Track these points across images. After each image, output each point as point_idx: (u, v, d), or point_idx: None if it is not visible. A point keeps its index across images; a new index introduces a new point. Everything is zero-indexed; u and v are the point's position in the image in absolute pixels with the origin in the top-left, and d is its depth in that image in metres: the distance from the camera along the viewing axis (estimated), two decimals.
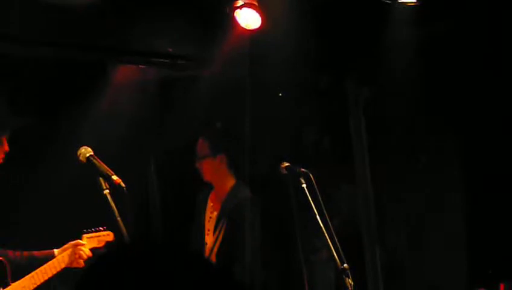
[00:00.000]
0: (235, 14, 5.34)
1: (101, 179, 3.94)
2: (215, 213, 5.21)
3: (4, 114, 4.28)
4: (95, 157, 4.03)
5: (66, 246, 4.41)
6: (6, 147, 4.29)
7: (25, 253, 4.35)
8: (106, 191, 3.90)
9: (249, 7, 5.30)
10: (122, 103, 5.82)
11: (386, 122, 6.35)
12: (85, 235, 4.45)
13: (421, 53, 5.70)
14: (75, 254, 4.35)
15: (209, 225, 5.22)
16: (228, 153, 5.20)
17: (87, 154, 4.04)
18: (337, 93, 6.34)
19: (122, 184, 3.91)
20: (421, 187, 6.29)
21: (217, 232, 5.12)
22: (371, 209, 6.20)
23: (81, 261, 4.36)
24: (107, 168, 3.96)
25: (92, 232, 4.47)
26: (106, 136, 5.23)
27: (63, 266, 4.33)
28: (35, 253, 4.38)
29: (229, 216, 5.11)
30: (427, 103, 6.04)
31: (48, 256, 4.36)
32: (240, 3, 5.30)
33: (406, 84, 5.91)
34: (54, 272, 4.32)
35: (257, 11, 5.31)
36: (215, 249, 5.07)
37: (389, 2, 5.30)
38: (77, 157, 4.07)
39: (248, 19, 5.34)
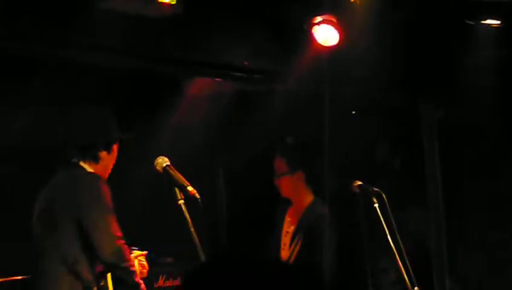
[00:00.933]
0: (313, 30, 5.35)
1: (176, 189, 3.96)
2: (292, 228, 5.20)
3: (114, 128, 4.36)
4: (172, 167, 4.06)
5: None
6: (116, 154, 4.38)
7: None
8: (181, 202, 3.93)
9: (328, 24, 5.30)
10: (196, 115, 5.86)
11: (461, 147, 6.24)
12: (134, 250, 4.49)
13: (501, 76, 5.59)
14: (140, 264, 4.41)
15: (286, 239, 5.21)
16: (306, 169, 5.18)
17: (164, 164, 4.07)
18: (411, 114, 6.26)
19: (197, 195, 3.93)
20: (498, 215, 6.15)
21: (292, 247, 5.11)
22: (443, 235, 6.09)
23: (145, 271, 4.41)
24: (183, 179, 3.99)
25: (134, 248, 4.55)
26: (179, 147, 5.27)
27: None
28: None
29: (305, 232, 5.09)
30: (505, 128, 5.91)
31: None
32: (318, 19, 5.30)
33: (484, 107, 5.80)
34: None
35: (335, 28, 5.30)
36: (291, 261, 5.06)
37: (472, 23, 5.22)
38: (154, 166, 4.10)
39: (326, 35, 5.33)
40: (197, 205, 3.93)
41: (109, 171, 4.34)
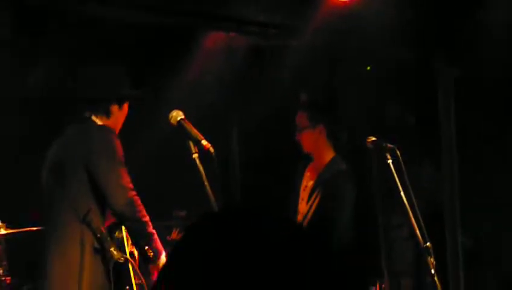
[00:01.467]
0: None
1: (190, 142, 3.96)
2: (311, 183, 5.20)
3: (125, 85, 4.36)
4: (186, 121, 4.06)
5: None
6: (127, 110, 4.40)
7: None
8: (195, 155, 3.93)
9: None
10: (210, 69, 5.84)
11: (476, 106, 6.19)
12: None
13: None
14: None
15: (304, 194, 5.22)
16: (327, 124, 5.16)
17: (179, 118, 4.06)
18: (426, 71, 6.22)
19: (212, 149, 3.92)
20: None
21: (310, 202, 5.12)
22: (456, 192, 6.09)
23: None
24: (197, 133, 3.98)
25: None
26: (193, 101, 5.26)
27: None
28: None
29: (324, 187, 5.09)
30: None
31: None
32: None
33: (500, 65, 5.75)
34: None
35: None
36: (308, 218, 5.08)
37: None
38: (168, 120, 4.10)
39: None
40: (211, 159, 3.93)
41: (120, 126, 4.35)
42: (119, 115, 4.31)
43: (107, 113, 4.25)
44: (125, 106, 4.35)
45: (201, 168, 3.90)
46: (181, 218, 5.61)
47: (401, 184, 4.58)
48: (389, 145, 4.72)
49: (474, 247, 6.35)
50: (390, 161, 4.66)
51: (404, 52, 6.21)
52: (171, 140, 4.43)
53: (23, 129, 5.40)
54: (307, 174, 5.25)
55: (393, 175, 4.61)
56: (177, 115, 4.08)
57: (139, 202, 4.14)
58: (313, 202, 5.09)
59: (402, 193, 4.57)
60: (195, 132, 3.99)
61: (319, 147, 5.17)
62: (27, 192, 4.59)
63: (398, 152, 4.68)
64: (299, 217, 5.13)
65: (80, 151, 4.13)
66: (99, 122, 4.24)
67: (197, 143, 3.94)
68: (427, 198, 6.10)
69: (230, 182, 6.55)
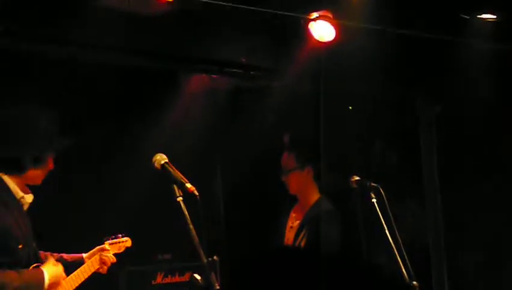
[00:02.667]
0: (309, 26, 5.35)
1: (174, 186, 3.96)
2: (297, 223, 5.21)
3: (51, 134, 4.05)
4: (170, 164, 4.05)
5: (93, 251, 4.47)
6: (51, 165, 4.11)
7: (55, 255, 4.38)
8: (180, 199, 3.91)
9: (324, 20, 5.30)
10: (193, 112, 5.86)
11: (458, 141, 6.24)
12: (107, 242, 4.51)
13: (498, 71, 5.60)
14: (101, 259, 4.42)
15: (289, 234, 5.23)
16: (314, 165, 5.19)
17: (162, 161, 4.05)
18: (408, 109, 6.27)
19: (196, 192, 3.91)
20: (495, 208, 6.16)
21: (297, 242, 5.12)
22: (440, 228, 6.10)
23: (105, 267, 4.43)
24: (181, 176, 3.97)
25: (113, 239, 4.55)
26: (176, 144, 5.27)
27: (93, 270, 4.41)
28: (65, 256, 4.43)
29: (310, 227, 5.10)
30: (503, 121, 5.92)
31: (77, 260, 4.42)
32: (314, 15, 5.31)
33: (480, 102, 5.81)
34: (86, 277, 4.37)
35: (331, 24, 5.31)
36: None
37: (468, 17, 5.23)
38: (152, 163, 4.10)
39: (322, 31, 5.34)
40: (195, 202, 3.92)
41: (43, 178, 4.07)
42: (38, 172, 4.05)
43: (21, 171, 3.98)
44: (49, 162, 4.08)
45: (185, 212, 3.89)
46: (166, 261, 5.57)
47: (385, 223, 4.60)
48: (372, 184, 4.75)
49: (460, 283, 6.35)
50: (374, 200, 4.69)
51: (386, 90, 6.27)
52: (155, 184, 4.42)
53: None
54: (293, 215, 5.26)
55: (377, 214, 4.64)
56: (161, 158, 4.07)
57: None
58: (300, 242, 5.10)
59: (387, 232, 4.58)
60: (179, 175, 3.99)
61: (306, 188, 5.20)
62: None
63: (382, 191, 4.71)
64: None
65: None
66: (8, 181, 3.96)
67: (181, 186, 3.93)
68: (412, 236, 6.10)
69: (215, 222, 6.53)
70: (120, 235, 4.63)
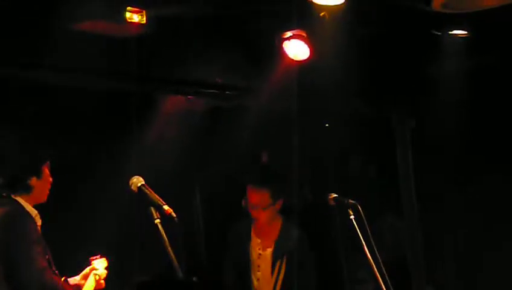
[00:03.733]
0: (283, 45, 5.38)
1: (152, 208, 3.96)
2: (269, 251, 5.21)
3: (39, 144, 4.22)
4: (147, 186, 4.05)
5: (84, 272, 4.43)
6: (50, 178, 4.24)
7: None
8: (157, 221, 3.91)
9: (298, 38, 5.34)
10: (170, 132, 5.86)
11: (433, 155, 6.29)
12: (93, 261, 4.48)
13: (470, 85, 5.66)
14: (96, 277, 4.41)
15: (260, 261, 5.22)
16: (285, 196, 5.23)
17: (139, 184, 4.06)
18: (383, 124, 6.32)
19: (173, 214, 3.92)
20: (472, 220, 6.21)
21: (275, 273, 5.13)
22: (419, 242, 6.13)
23: (103, 282, 4.40)
24: (159, 198, 3.98)
25: (96, 256, 4.54)
26: (154, 165, 5.27)
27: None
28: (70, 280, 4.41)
29: (287, 258, 5.13)
30: (475, 135, 5.98)
31: (75, 287, 4.39)
32: (288, 34, 5.34)
33: (453, 116, 5.87)
34: None
35: (306, 43, 5.34)
36: (278, 288, 5.12)
37: (439, 33, 5.29)
38: (128, 186, 4.10)
39: (296, 50, 5.38)
40: (173, 224, 3.92)
41: (47, 192, 4.22)
42: (41, 185, 4.18)
43: (27, 189, 4.11)
44: (46, 172, 4.22)
45: (163, 234, 3.89)
46: None
47: (364, 239, 4.62)
48: (350, 201, 4.78)
49: None
50: (352, 217, 4.72)
51: (361, 106, 6.31)
52: (132, 207, 4.41)
53: None
54: (257, 240, 5.25)
55: (356, 231, 4.66)
56: (138, 181, 4.08)
57: (59, 282, 4.05)
58: (278, 274, 5.12)
59: (365, 248, 4.60)
60: (156, 197, 3.99)
61: (273, 217, 5.23)
62: None
63: (359, 207, 4.73)
64: (262, 285, 5.14)
65: None
66: (21, 201, 4.08)
67: (159, 208, 3.94)
68: (391, 252, 6.12)
69: (195, 243, 6.51)
70: (96, 257, 4.59)
